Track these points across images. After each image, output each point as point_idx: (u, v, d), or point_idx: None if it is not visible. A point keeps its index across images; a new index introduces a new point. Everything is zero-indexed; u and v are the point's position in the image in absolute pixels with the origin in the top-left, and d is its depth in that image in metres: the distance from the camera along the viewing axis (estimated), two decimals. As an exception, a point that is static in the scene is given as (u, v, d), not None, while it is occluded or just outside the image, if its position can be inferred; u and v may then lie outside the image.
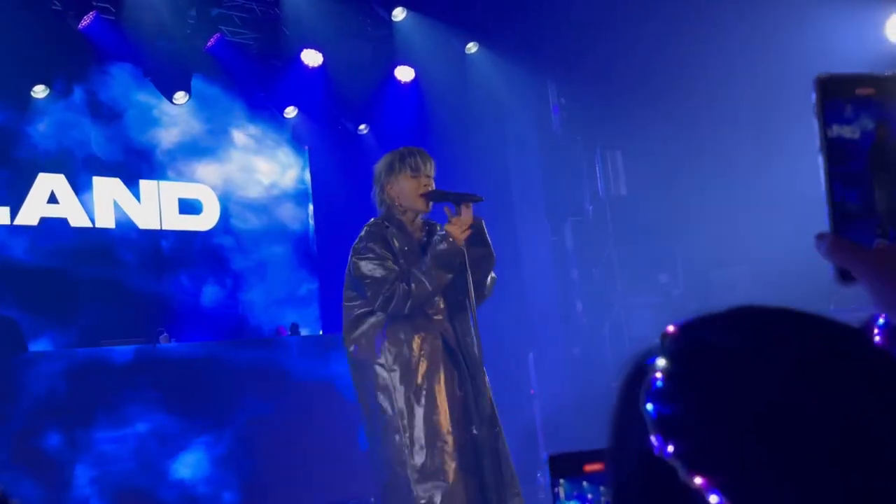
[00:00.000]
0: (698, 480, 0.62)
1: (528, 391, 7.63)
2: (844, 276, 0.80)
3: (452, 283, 3.83)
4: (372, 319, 3.80)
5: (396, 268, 3.73)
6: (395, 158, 3.90)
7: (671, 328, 0.72)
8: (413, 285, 3.66)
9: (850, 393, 0.64)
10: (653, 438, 0.65)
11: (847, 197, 0.80)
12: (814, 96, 0.81)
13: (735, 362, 0.67)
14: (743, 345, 0.68)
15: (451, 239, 3.71)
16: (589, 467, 0.95)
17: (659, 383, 0.67)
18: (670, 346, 0.70)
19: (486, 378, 3.84)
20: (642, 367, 0.71)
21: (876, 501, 0.60)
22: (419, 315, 3.77)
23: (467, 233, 3.74)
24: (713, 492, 0.61)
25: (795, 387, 0.64)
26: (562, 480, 0.95)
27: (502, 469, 3.75)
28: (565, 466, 0.96)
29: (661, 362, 0.68)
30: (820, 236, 0.81)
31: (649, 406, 0.66)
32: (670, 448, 0.64)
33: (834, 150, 0.81)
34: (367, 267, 3.73)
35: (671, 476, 0.63)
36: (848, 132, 0.81)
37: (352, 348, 3.84)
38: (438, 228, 3.93)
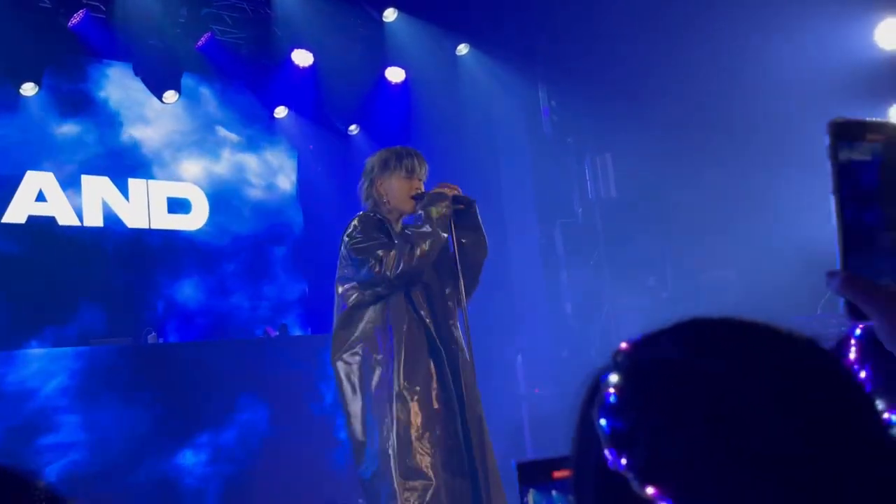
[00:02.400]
0: (650, 491, 0.63)
1: (516, 393, 7.63)
2: (854, 312, 0.81)
3: (439, 276, 3.85)
4: (369, 313, 3.80)
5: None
6: (391, 156, 3.91)
7: (623, 345, 0.73)
8: (413, 241, 3.68)
9: (792, 400, 0.66)
10: (606, 452, 0.67)
11: (859, 237, 0.81)
12: (827, 140, 0.83)
13: (680, 375, 0.68)
14: (687, 358, 0.69)
15: (439, 192, 3.78)
16: (557, 474, 0.94)
17: (611, 398, 0.69)
18: (622, 362, 0.71)
19: (474, 376, 3.85)
20: (597, 384, 0.72)
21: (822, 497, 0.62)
22: (409, 309, 3.77)
23: (455, 189, 3.78)
24: (665, 501, 0.63)
25: (738, 397, 0.65)
26: (531, 490, 0.95)
27: (488, 471, 3.75)
28: (534, 474, 0.95)
29: (613, 378, 0.70)
30: (831, 273, 0.81)
31: (603, 421, 0.68)
32: (623, 461, 0.66)
33: (844, 181, 0.82)
34: (366, 244, 3.74)
35: (626, 488, 0.65)
36: (857, 156, 0.82)
37: (351, 342, 3.82)
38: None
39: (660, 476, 0.64)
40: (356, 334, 3.81)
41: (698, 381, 0.67)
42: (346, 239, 3.82)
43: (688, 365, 0.69)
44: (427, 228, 3.70)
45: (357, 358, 3.80)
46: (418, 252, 3.66)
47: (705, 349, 0.70)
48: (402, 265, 3.65)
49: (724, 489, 0.62)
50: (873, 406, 0.69)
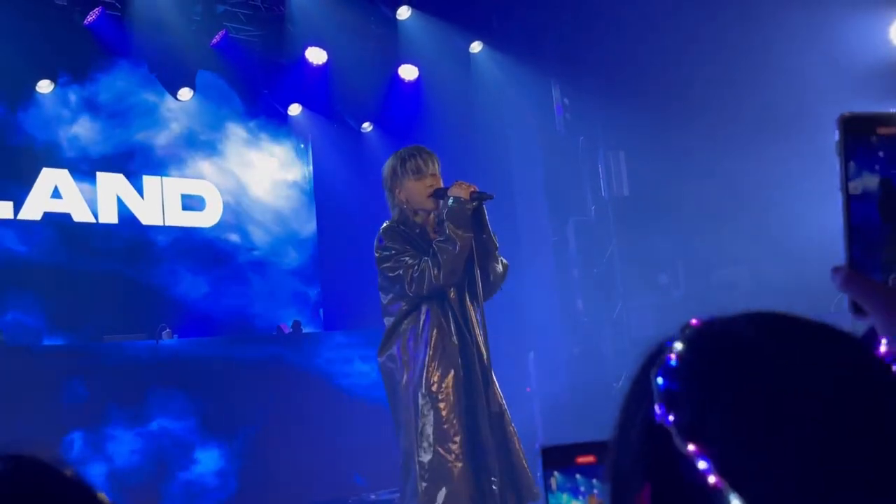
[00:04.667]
0: (691, 447, 0.68)
1: (527, 389, 7.64)
2: (858, 309, 0.83)
3: (461, 279, 3.87)
4: (409, 318, 3.87)
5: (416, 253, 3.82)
6: (396, 162, 3.92)
7: (694, 321, 0.78)
8: (438, 255, 3.72)
9: (836, 390, 0.70)
10: (657, 407, 0.72)
11: (865, 233, 0.82)
12: (837, 134, 0.83)
13: (741, 353, 0.73)
14: (751, 338, 0.74)
15: (456, 197, 3.77)
16: (581, 459, 0.97)
17: (672, 362, 0.74)
18: (689, 334, 0.76)
19: (494, 376, 3.89)
20: (661, 348, 0.77)
21: (848, 481, 0.66)
22: (440, 310, 3.82)
23: (472, 188, 3.79)
24: (702, 458, 0.68)
25: (791, 382, 0.70)
26: (555, 472, 0.98)
27: (517, 471, 3.78)
28: (558, 458, 0.98)
29: (677, 346, 0.75)
30: (836, 269, 0.83)
31: (659, 380, 0.73)
32: (671, 417, 0.71)
33: (854, 195, 0.82)
34: (393, 264, 3.79)
35: (669, 443, 0.70)
36: (868, 181, 0.82)
37: (392, 344, 3.90)
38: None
39: (702, 436, 0.68)
40: (397, 338, 3.89)
41: (758, 358, 0.72)
42: (375, 254, 3.88)
43: (752, 342, 0.74)
44: (449, 246, 3.73)
45: (396, 360, 3.87)
46: (443, 268, 3.72)
47: (772, 332, 0.75)
48: (430, 283, 3.73)
49: (760, 458, 0.67)
50: None
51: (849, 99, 6.18)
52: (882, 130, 0.83)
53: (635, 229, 7.71)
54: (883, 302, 0.81)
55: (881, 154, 0.82)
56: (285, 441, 6.43)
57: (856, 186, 0.82)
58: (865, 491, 0.66)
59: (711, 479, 0.66)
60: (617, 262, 7.91)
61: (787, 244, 6.49)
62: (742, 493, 0.66)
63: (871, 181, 0.82)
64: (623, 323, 7.76)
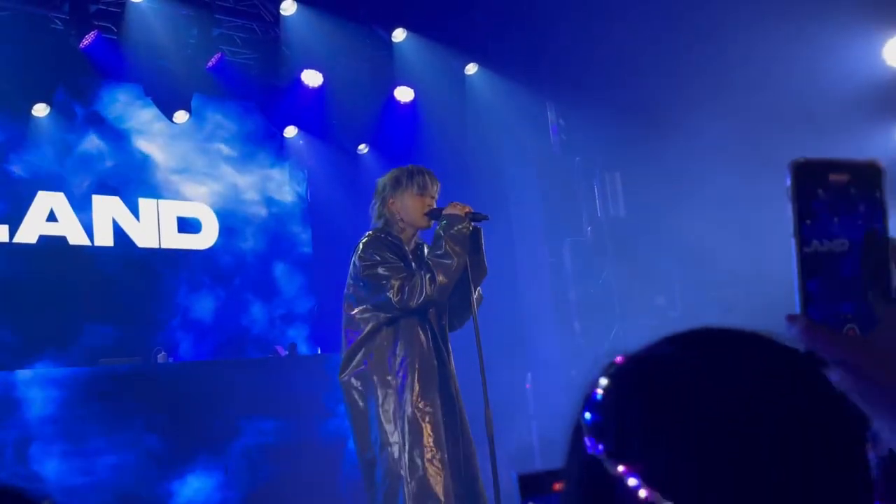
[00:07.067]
0: (620, 469, 0.72)
1: (526, 412, 7.61)
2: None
3: (448, 300, 3.87)
4: (382, 334, 3.81)
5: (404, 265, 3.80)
6: (402, 174, 3.95)
7: (619, 358, 0.82)
8: (434, 269, 3.70)
9: (759, 401, 0.73)
10: (587, 440, 0.76)
11: (821, 272, 0.82)
12: (789, 180, 0.83)
13: (656, 371, 0.78)
14: (666, 356, 0.79)
15: (451, 216, 3.78)
16: (558, 486, 0.97)
17: (597, 396, 0.78)
18: (612, 370, 0.81)
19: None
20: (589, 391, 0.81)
21: (762, 487, 0.69)
22: (420, 330, 3.80)
23: (467, 208, 3.80)
24: (631, 475, 0.71)
25: (703, 389, 0.74)
26: (531, 502, 0.99)
27: (478, 490, 3.81)
28: (535, 486, 0.99)
29: (602, 381, 0.80)
30: (791, 318, 0.82)
31: (587, 415, 0.78)
32: (600, 447, 0.75)
33: (805, 223, 0.83)
34: (381, 270, 3.76)
35: (601, 471, 0.74)
36: (820, 197, 0.82)
37: (360, 361, 3.84)
38: (426, 247, 3.98)
39: (627, 456, 0.72)
40: (367, 354, 3.82)
41: (670, 372, 0.76)
42: (356, 261, 3.83)
43: (666, 359, 0.78)
44: (446, 260, 3.72)
45: (367, 378, 3.81)
46: (439, 281, 3.69)
47: (686, 347, 0.79)
48: (423, 296, 3.69)
49: (681, 467, 0.71)
50: (849, 415, 0.74)
51: (844, 119, 6.20)
52: (834, 177, 0.82)
53: (632, 250, 7.70)
54: (844, 352, 0.79)
55: (834, 200, 0.82)
56: (282, 465, 6.38)
57: (811, 233, 0.82)
58: (775, 490, 0.68)
59: (642, 492, 0.70)
60: (613, 283, 7.90)
61: (784, 265, 6.48)
62: (673, 500, 0.69)
63: (826, 228, 0.81)
64: (620, 344, 7.73)
